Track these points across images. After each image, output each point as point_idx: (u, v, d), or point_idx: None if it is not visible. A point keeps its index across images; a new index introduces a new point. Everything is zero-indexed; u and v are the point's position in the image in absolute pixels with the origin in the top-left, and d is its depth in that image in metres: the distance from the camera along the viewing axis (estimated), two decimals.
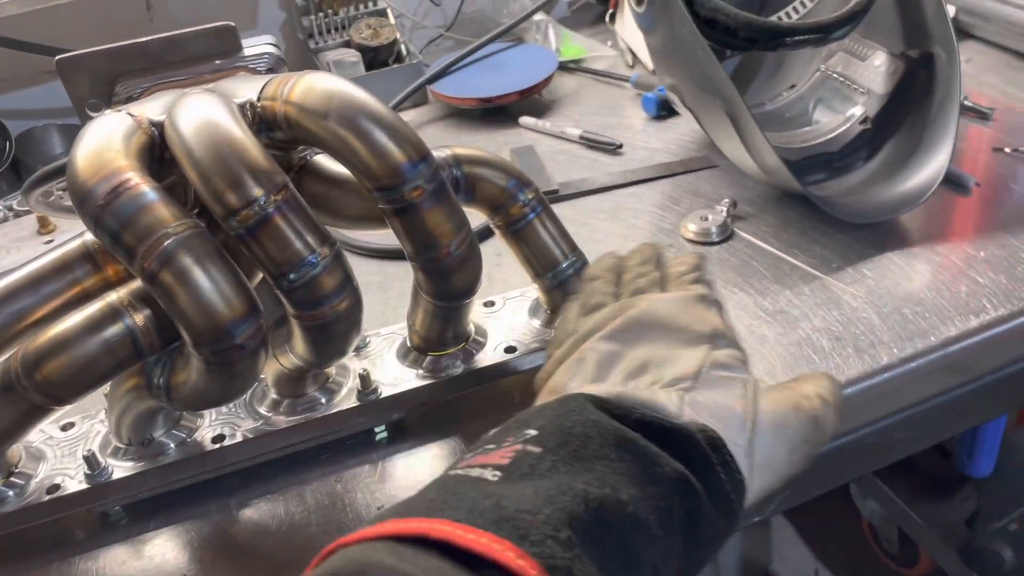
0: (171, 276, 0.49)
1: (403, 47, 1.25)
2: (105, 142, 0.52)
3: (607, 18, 1.34)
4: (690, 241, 0.84)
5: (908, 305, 0.72)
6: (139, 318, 0.53)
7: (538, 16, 1.29)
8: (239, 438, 0.63)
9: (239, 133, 0.52)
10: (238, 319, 0.50)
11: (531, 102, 1.16)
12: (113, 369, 0.54)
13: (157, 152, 0.55)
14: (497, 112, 1.15)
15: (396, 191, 0.55)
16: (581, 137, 1.05)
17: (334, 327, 0.55)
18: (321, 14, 1.24)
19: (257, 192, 0.50)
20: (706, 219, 0.84)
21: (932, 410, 0.70)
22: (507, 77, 1.16)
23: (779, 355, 0.68)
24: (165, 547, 0.60)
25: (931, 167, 0.81)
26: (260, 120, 0.56)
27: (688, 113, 0.93)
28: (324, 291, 0.53)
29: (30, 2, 1.05)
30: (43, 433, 0.64)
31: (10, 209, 1.05)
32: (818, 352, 0.68)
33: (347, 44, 1.25)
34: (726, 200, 0.86)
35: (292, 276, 0.52)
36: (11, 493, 0.60)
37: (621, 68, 1.26)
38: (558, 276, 0.67)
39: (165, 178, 0.55)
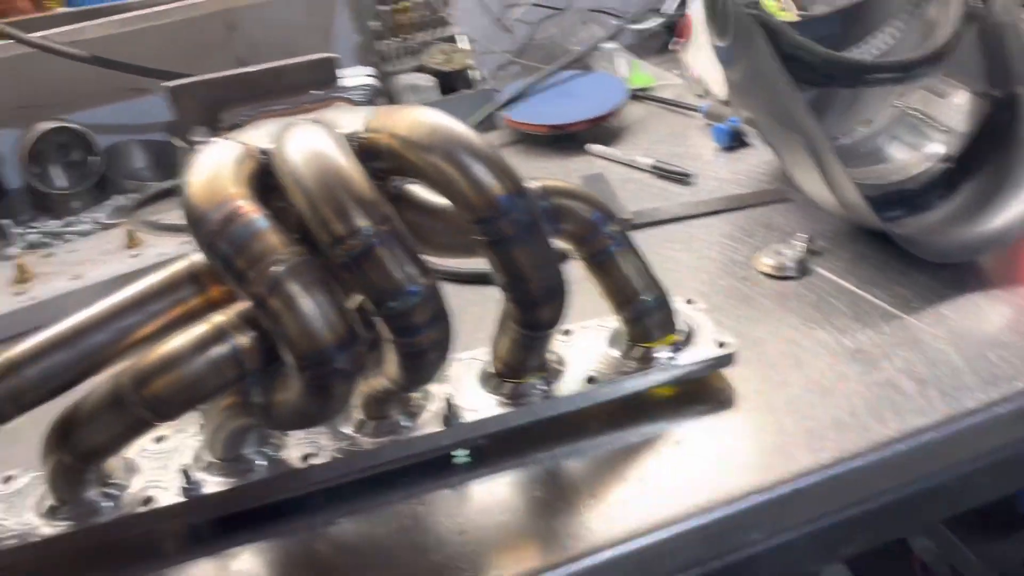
0: (279, 301, 0.51)
1: (474, 73, 1.27)
2: (217, 169, 0.55)
3: (676, 47, 1.35)
4: (765, 275, 0.84)
5: (992, 348, 0.71)
6: (244, 339, 0.55)
7: (607, 44, 1.30)
8: (326, 457, 0.64)
9: (346, 164, 0.54)
10: (339, 344, 0.52)
11: (600, 129, 1.17)
12: (218, 388, 0.56)
13: (265, 179, 0.57)
14: (566, 139, 1.16)
15: (493, 223, 0.56)
16: (652, 166, 1.06)
17: (428, 354, 0.56)
18: (396, 39, 1.27)
19: (363, 223, 0.52)
20: (782, 253, 0.84)
21: (1015, 456, 0.69)
22: (578, 105, 1.17)
23: (861, 395, 0.68)
24: (252, 563, 0.62)
25: (1016, 208, 0.80)
26: (363, 151, 0.58)
27: (762, 145, 0.93)
28: (421, 320, 0.54)
29: (117, 24, 1.08)
30: (138, 445, 0.66)
31: (96, 222, 1.09)
32: (901, 394, 0.67)
33: (420, 69, 1.27)
34: (802, 235, 0.86)
35: (392, 304, 0.53)
36: (106, 504, 0.62)
37: (689, 97, 1.27)
38: (638, 308, 0.68)
39: (271, 204, 0.57)
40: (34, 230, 1.08)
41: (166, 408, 0.56)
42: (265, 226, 0.52)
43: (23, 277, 0.93)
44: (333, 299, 0.52)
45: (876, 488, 0.64)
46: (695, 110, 1.20)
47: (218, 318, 0.56)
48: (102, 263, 0.95)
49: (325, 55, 0.65)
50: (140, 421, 0.56)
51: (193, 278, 0.59)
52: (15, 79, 1.20)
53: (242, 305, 0.57)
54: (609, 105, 1.15)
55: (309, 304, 0.51)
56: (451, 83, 1.26)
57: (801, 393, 0.69)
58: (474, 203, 0.55)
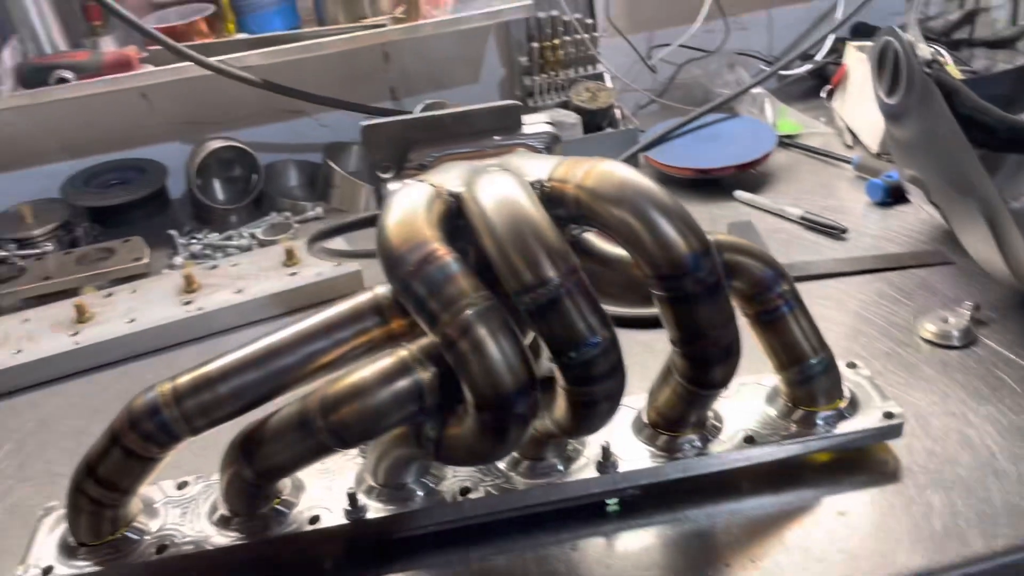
0: (468, 344, 0.52)
1: (618, 112, 1.28)
2: (412, 211, 0.57)
3: (824, 94, 1.33)
4: (927, 342, 0.81)
5: None
6: (426, 375, 0.57)
7: (755, 89, 1.29)
8: (482, 493, 0.66)
9: (536, 214, 0.55)
10: (520, 390, 0.53)
11: (745, 176, 1.16)
12: (399, 420, 0.58)
13: (453, 221, 0.59)
14: (710, 183, 1.15)
15: (676, 281, 0.56)
16: (802, 217, 1.04)
17: (600, 404, 0.57)
18: (543, 75, 1.29)
19: (551, 273, 0.53)
20: (946, 321, 0.81)
21: None
22: (724, 149, 1.16)
23: None
24: None
25: None
26: (547, 198, 0.59)
27: (921, 204, 0.91)
28: (599, 371, 0.55)
29: (284, 53, 1.14)
30: None
31: (253, 237, 1.14)
32: None
33: (564, 105, 1.29)
34: (968, 303, 0.83)
35: (572, 354, 0.54)
36: (277, 520, 0.65)
37: (837, 147, 1.24)
38: (805, 371, 0.67)
39: (456, 244, 0.59)
40: (197, 241, 1.14)
41: (348, 435, 0.58)
42: (458, 269, 0.54)
43: (190, 287, 0.98)
44: (518, 345, 0.53)
45: None
46: (845, 161, 1.18)
47: (402, 352, 0.58)
48: (263, 278, 0.99)
49: (510, 102, 0.67)
50: (322, 446, 0.59)
51: (377, 310, 0.61)
52: (186, 97, 1.28)
53: (424, 340, 0.59)
54: (758, 152, 1.14)
55: (495, 349, 0.53)
56: (595, 121, 1.27)
57: (972, 472, 0.66)
58: (659, 260, 0.56)
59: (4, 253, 1.11)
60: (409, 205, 0.57)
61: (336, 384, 0.58)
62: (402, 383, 0.57)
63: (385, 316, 0.61)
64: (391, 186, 0.65)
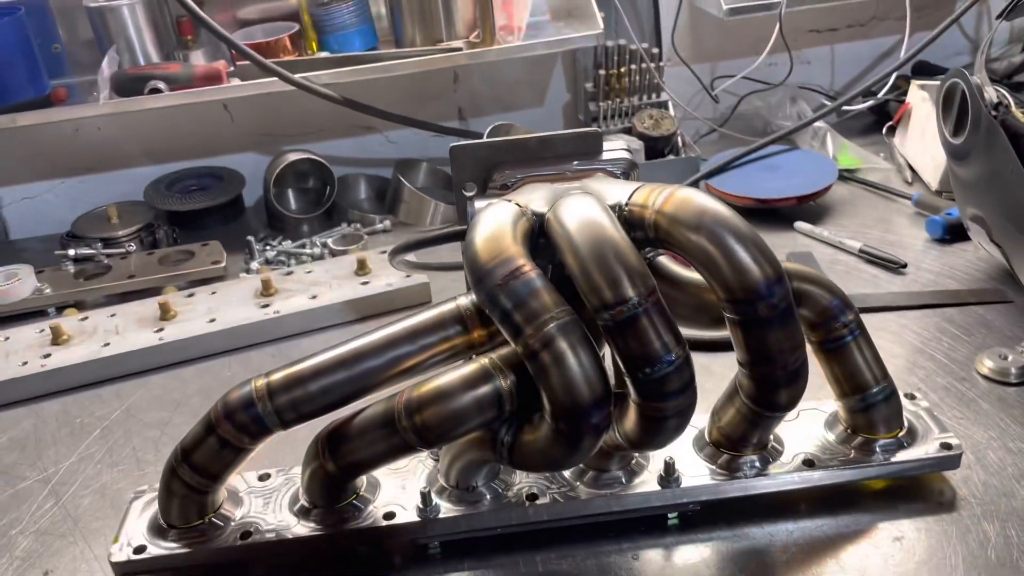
0: (549, 356, 0.56)
1: (680, 139, 1.31)
2: (500, 228, 0.60)
3: (884, 130, 1.34)
4: (985, 378, 0.83)
5: None
6: (506, 383, 0.61)
7: (818, 123, 1.31)
8: (548, 499, 0.69)
9: (618, 236, 0.58)
10: (597, 403, 0.56)
11: (805, 207, 1.18)
12: (478, 424, 0.61)
13: (535, 239, 0.63)
14: (769, 213, 1.18)
15: (749, 306, 0.59)
16: (861, 250, 1.06)
17: (670, 420, 0.60)
18: (608, 101, 1.33)
19: (631, 293, 0.56)
20: (1005, 358, 0.83)
21: None
22: (785, 180, 1.19)
23: None
24: None
25: None
26: (625, 221, 0.62)
27: (983, 243, 0.92)
28: (672, 388, 0.58)
29: (362, 72, 1.19)
30: None
31: (325, 246, 1.19)
32: None
33: (628, 131, 1.32)
34: None
35: (648, 370, 0.57)
36: (353, 514, 0.68)
37: (896, 182, 1.25)
38: (867, 400, 0.69)
39: (537, 262, 0.63)
40: (272, 248, 1.19)
41: (430, 436, 0.61)
42: (542, 284, 0.57)
43: (267, 291, 1.03)
44: (596, 360, 0.56)
45: None
46: (904, 196, 1.19)
47: (485, 360, 0.62)
48: (336, 286, 1.04)
49: (591, 129, 0.71)
50: (405, 444, 0.62)
51: (459, 319, 0.65)
52: (265, 111, 1.35)
53: (505, 350, 0.62)
54: (819, 184, 1.16)
55: (574, 362, 0.56)
56: (657, 147, 1.30)
57: None
58: (734, 285, 0.58)
59: (91, 251, 1.18)
60: (496, 222, 0.61)
61: (421, 387, 0.62)
62: (484, 389, 0.60)
63: (467, 326, 0.65)
64: (477, 204, 0.69)
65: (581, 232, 0.59)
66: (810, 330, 0.69)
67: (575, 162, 0.72)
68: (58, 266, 1.15)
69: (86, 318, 1.03)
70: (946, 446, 0.69)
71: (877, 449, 0.70)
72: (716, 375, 0.79)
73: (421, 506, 0.68)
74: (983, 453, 0.74)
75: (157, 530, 0.69)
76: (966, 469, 0.71)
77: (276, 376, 0.64)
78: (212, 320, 1.00)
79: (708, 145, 1.42)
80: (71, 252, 1.16)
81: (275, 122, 1.39)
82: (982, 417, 0.78)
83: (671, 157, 1.28)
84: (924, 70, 1.46)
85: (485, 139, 0.71)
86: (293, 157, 1.24)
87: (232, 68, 1.19)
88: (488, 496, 0.69)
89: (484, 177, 0.71)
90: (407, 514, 0.68)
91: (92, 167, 1.35)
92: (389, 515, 0.68)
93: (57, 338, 0.97)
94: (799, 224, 1.13)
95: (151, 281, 1.11)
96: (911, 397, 0.75)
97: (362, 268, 1.06)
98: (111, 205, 1.27)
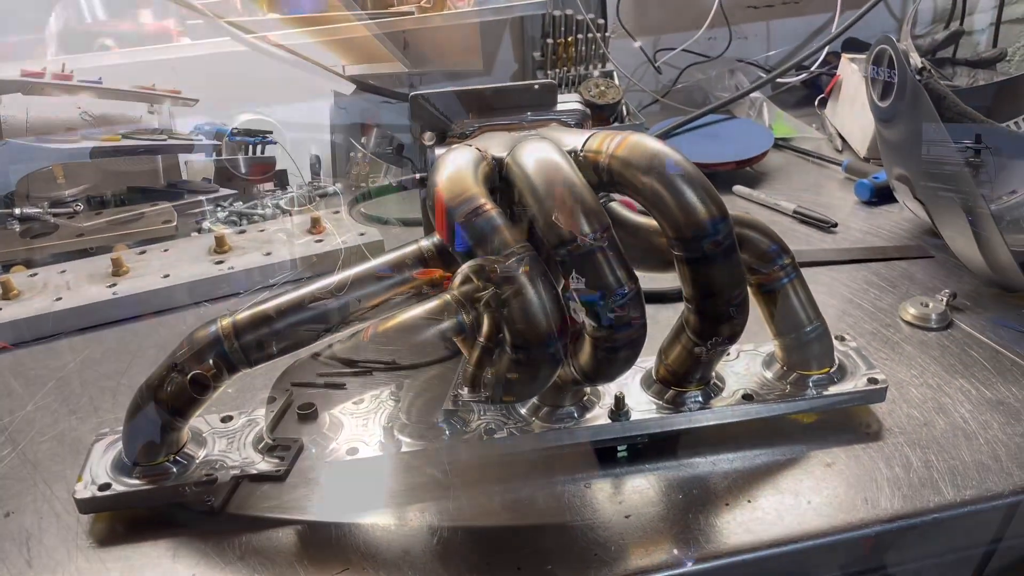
0: (510, 289, 0.59)
1: (624, 108, 1.35)
2: (461, 170, 0.63)
3: (816, 102, 1.41)
4: (908, 324, 0.89)
5: None
6: (468, 317, 0.63)
7: (755, 93, 1.37)
8: (505, 433, 0.72)
9: (575, 176, 0.62)
10: (555, 333, 0.60)
11: (743, 173, 1.23)
12: (441, 356, 0.64)
13: (493, 183, 0.66)
14: (709, 177, 1.22)
15: (696, 243, 0.63)
16: (795, 212, 1.12)
17: (622, 352, 0.63)
18: (556, 70, 1.36)
19: (588, 229, 0.60)
20: (926, 305, 0.89)
21: None
22: (724, 147, 1.24)
23: (1003, 443, 0.72)
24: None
25: None
26: (581, 166, 0.66)
27: (907, 201, 0.98)
28: (625, 319, 0.61)
29: (307, 35, 1.20)
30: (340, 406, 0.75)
31: (277, 207, 1.20)
32: None
33: None
34: (945, 291, 0.91)
35: (602, 303, 0.60)
36: (315, 451, 0.71)
37: (827, 150, 1.32)
38: (800, 338, 0.74)
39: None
40: (223, 208, 1.20)
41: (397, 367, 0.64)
42: (501, 223, 0.60)
43: (221, 248, 1.04)
44: (555, 292, 0.60)
45: (1018, 530, 0.68)
46: (834, 163, 1.26)
47: (446, 296, 0.64)
48: (290, 244, 1.05)
49: (547, 81, 0.74)
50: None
51: (421, 259, 0.67)
52: (222, 75, 1.34)
53: (465, 286, 0.65)
54: (756, 150, 1.21)
55: (534, 295, 0.59)
56: (602, 115, 1.34)
57: (945, 435, 0.74)
58: (682, 223, 0.63)
59: (36, 210, 1.16)
60: (458, 164, 0.64)
61: (387, 322, 0.64)
62: (447, 323, 0.63)
63: (428, 265, 0.68)
64: (437, 151, 0.72)
65: (539, 173, 0.62)
66: (750, 273, 0.73)
67: (530, 113, 0.75)
68: (3, 224, 1.14)
69: (35, 274, 1.02)
70: (873, 380, 0.75)
71: (810, 384, 0.75)
72: (661, 323, 0.83)
73: (382, 441, 0.70)
74: (906, 390, 0.80)
75: (121, 468, 0.70)
76: (891, 403, 0.77)
77: (242, 315, 0.66)
78: (166, 276, 1.00)
79: (651, 116, 1.47)
80: (16, 211, 1.15)
81: (224, 84, 1.38)
82: (905, 358, 0.84)
83: (615, 125, 1.32)
84: (854, 46, 1.53)
85: (444, 88, 0.73)
86: (244, 119, 1.24)
87: (183, 28, 1.18)
88: (448, 432, 0.72)
89: (442, 127, 0.74)
90: (369, 450, 0.71)
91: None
92: (352, 450, 0.71)
93: (7, 293, 0.97)
94: (737, 187, 1.19)
95: (101, 240, 1.11)
96: (841, 339, 0.81)
97: (315, 226, 1.08)
98: (57, 165, 1.25)
